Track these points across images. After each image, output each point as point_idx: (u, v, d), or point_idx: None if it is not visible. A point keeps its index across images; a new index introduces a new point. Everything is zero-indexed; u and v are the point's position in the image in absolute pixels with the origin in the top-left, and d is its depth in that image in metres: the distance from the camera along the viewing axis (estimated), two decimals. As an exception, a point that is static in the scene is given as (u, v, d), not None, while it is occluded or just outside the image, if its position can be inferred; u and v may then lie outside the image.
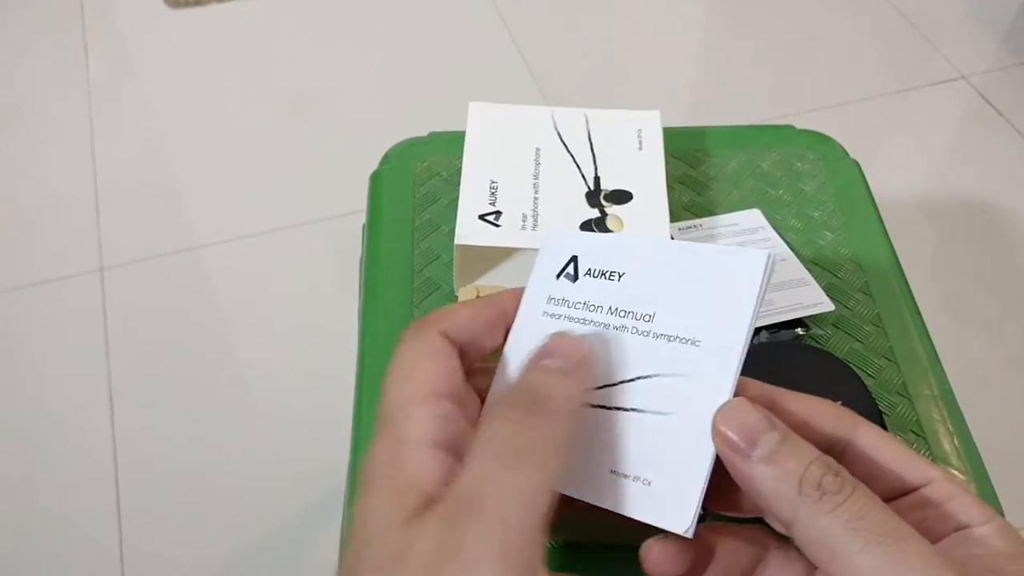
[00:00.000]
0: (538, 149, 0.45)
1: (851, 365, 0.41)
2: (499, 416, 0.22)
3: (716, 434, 0.22)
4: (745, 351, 0.24)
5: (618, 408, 0.25)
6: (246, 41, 1.36)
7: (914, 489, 0.23)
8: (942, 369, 0.44)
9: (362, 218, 0.52)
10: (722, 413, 0.22)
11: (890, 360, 0.44)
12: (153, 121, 1.25)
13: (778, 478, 0.21)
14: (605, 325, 0.26)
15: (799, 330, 0.44)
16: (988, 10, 1.41)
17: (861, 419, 0.24)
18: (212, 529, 0.87)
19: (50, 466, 0.91)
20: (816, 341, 0.44)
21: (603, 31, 1.38)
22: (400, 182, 0.52)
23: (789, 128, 0.56)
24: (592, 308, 0.26)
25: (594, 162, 0.45)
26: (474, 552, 0.19)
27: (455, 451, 0.22)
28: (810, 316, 0.44)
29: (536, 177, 0.44)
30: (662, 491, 0.24)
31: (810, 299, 0.44)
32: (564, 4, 1.42)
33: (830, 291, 0.46)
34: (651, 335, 0.25)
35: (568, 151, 0.45)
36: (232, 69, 1.32)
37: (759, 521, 0.25)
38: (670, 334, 0.25)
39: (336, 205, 1.12)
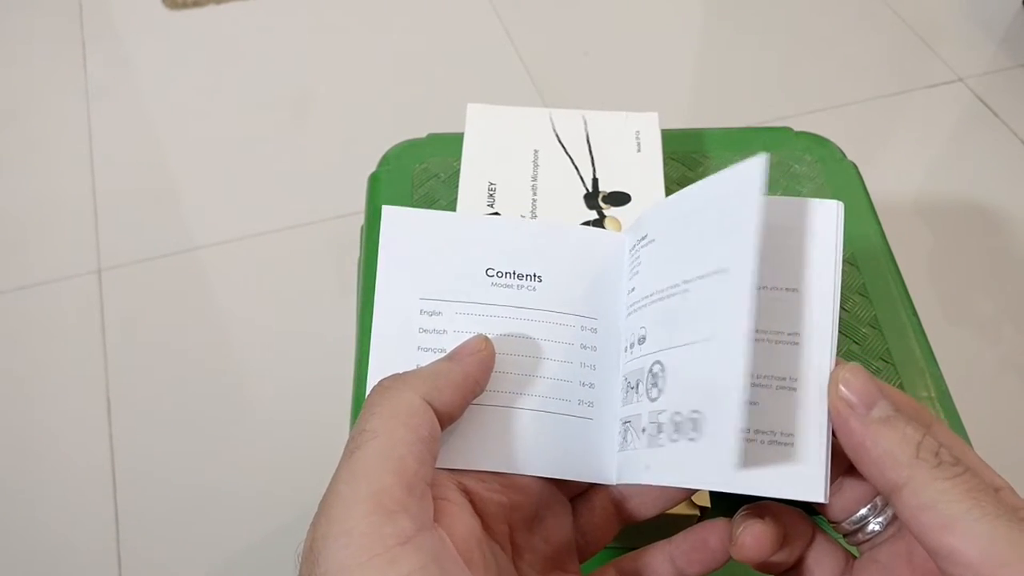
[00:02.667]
0: (536, 151, 0.46)
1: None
2: None
3: (834, 391, 0.23)
4: (838, 302, 0.23)
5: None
6: (244, 42, 1.36)
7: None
8: (939, 371, 0.44)
9: (361, 219, 0.52)
10: (842, 372, 0.23)
11: (887, 362, 0.44)
12: (151, 122, 1.24)
13: (894, 440, 0.21)
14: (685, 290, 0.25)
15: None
16: (986, 13, 1.42)
17: (936, 417, 0.24)
18: (210, 534, 0.87)
19: (47, 469, 0.91)
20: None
21: (601, 33, 1.38)
22: (398, 184, 0.52)
23: (787, 130, 0.56)
24: (669, 279, 0.26)
25: (592, 164, 0.45)
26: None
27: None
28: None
29: (534, 179, 0.44)
30: (783, 462, 0.23)
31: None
32: (561, 6, 1.42)
33: (828, 293, 0.46)
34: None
35: (566, 153, 0.46)
36: (230, 70, 1.32)
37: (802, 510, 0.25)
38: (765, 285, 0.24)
39: (335, 206, 1.12)
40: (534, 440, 0.27)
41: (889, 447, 0.21)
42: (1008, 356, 1.01)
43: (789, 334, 0.23)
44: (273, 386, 0.97)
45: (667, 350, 0.25)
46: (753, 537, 0.23)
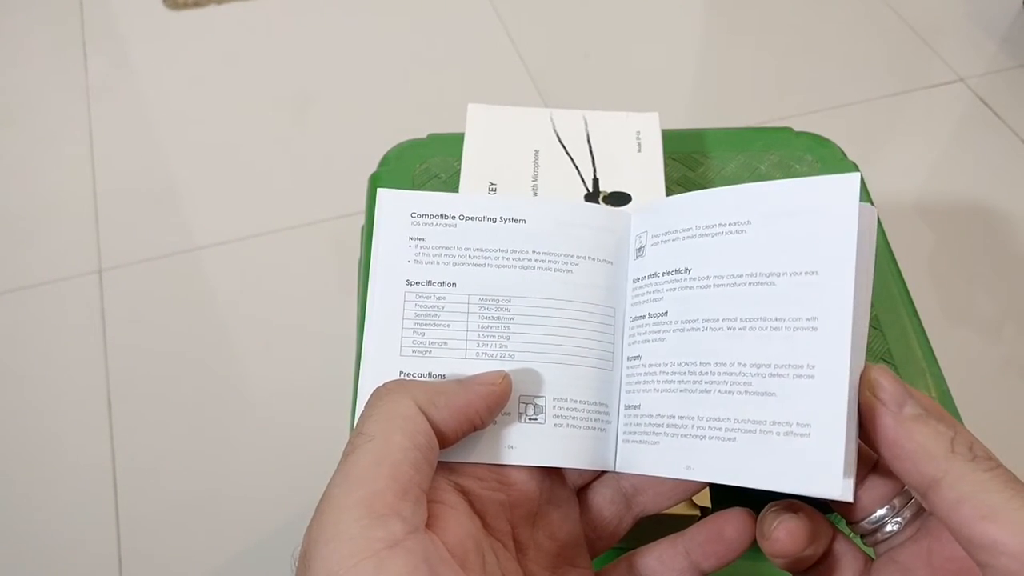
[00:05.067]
0: (537, 151, 0.45)
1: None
2: None
3: (867, 384, 0.22)
4: (856, 292, 0.22)
5: (735, 364, 0.23)
6: (245, 43, 1.36)
7: None
8: (940, 371, 0.44)
9: (362, 220, 0.52)
10: (872, 373, 0.22)
11: (888, 362, 0.44)
12: (151, 122, 1.24)
13: (929, 436, 0.21)
14: (696, 284, 0.25)
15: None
16: (986, 13, 1.41)
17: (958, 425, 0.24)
18: (210, 534, 0.87)
19: (47, 469, 0.91)
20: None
21: (601, 33, 1.38)
22: (399, 183, 0.52)
23: (787, 130, 0.56)
24: (679, 272, 0.26)
25: (593, 164, 0.45)
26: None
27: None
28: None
29: (535, 179, 0.44)
30: (799, 455, 0.22)
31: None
32: (562, 6, 1.42)
33: (828, 293, 0.45)
34: (749, 281, 0.24)
35: (567, 153, 0.46)
36: (231, 70, 1.32)
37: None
38: (779, 271, 0.23)
39: (336, 207, 1.12)
40: (528, 430, 0.27)
41: (924, 442, 0.21)
42: (1009, 356, 1.01)
43: (807, 319, 0.22)
44: (273, 386, 0.97)
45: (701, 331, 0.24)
46: (788, 531, 0.23)
